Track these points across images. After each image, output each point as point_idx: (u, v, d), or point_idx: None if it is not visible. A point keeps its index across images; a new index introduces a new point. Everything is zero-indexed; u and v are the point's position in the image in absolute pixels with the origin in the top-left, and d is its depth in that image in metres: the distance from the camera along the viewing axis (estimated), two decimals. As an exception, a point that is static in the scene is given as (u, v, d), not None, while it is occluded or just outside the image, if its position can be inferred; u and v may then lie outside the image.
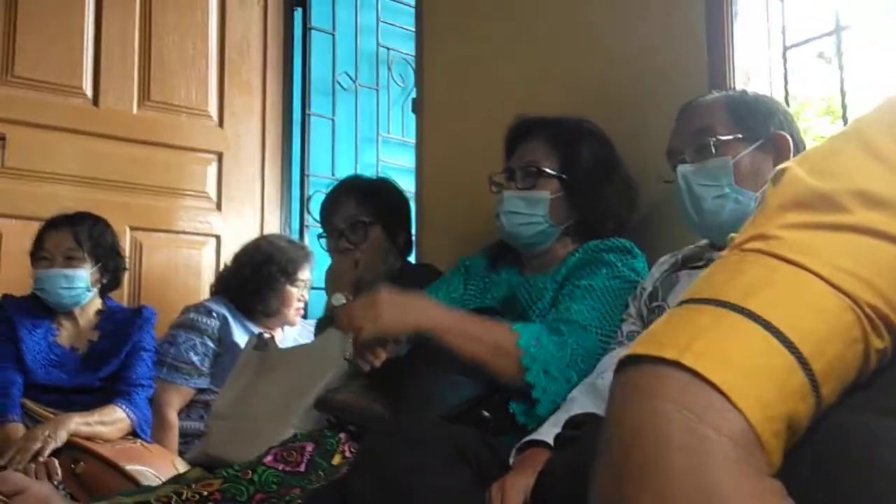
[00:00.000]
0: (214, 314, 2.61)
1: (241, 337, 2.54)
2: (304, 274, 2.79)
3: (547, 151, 1.78)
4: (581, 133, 1.81)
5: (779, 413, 0.48)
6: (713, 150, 1.47)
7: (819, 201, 0.55)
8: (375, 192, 2.21)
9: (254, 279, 2.68)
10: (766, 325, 0.49)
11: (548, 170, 1.77)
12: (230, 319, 2.63)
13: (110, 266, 2.45)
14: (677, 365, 0.48)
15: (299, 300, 2.79)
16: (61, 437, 2.07)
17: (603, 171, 1.78)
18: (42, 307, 2.39)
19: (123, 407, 2.26)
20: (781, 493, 0.47)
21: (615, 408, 0.51)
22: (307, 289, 2.84)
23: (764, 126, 1.49)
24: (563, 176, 1.76)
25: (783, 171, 0.59)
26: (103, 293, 2.49)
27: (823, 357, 0.50)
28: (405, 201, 2.29)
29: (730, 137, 1.47)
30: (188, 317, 2.60)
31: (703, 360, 0.48)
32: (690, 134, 1.52)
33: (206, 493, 1.37)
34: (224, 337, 2.59)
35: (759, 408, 0.47)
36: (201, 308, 2.63)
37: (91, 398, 2.30)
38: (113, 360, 2.35)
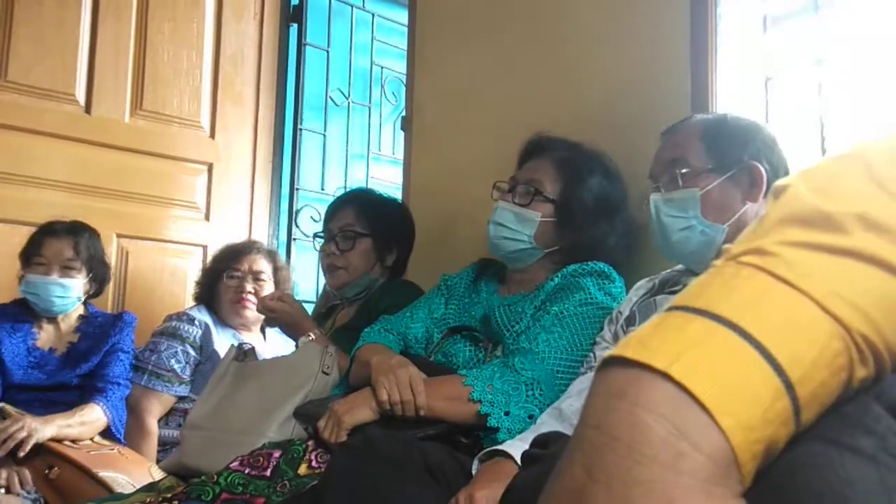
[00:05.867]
0: (196, 322, 2.60)
1: (222, 345, 2.53)
2: (244, 265, 2.68)
3: (553, 174, 1.79)
4: (592, 166, 1.80)
5: (760, 436, 0.47)
6: (680, 182, 1.49)
7: (820, 220, 0.54)
8: (376, 208, 2.23)
9: (206, 284, 2.72)
10: (758, 346, 0.49)
11: (546, 192, 1.77)
12: (212, 328, 2.62)
13: (99, 276, 2.48)
14: (665, 376, 0.48)
15: (240, 291, 2.65)
16: (46, 432, 2.07)
17: (603, 210, 1.77)
18: (25, 311, 2.39)
19: (101, 404, 2.27)
20: None
21: (595, 409, 0.50)
22: (256, 281, 2.68)
23: (738, 155, 1.48)
24: (560, 203, 1.77)
25: (785, 186, 0.59)
26: (86, 300, 2.50)
27: (810, 383, 0.49)
28: (408, 226, 2.29)
29: (699, 168, 1.49)
30: (170, 324, 2.60)
31: (692, 375, 0.47)
32: (665, 162, 1.54)
33: (170, 496, 1.38)
34: (206, 345, 2.58)
35: (742, 430, 0.47)
36: (183, 316, 2.63)
37: (70, 395, 2.31)
38: (92, 357, 2.36)
